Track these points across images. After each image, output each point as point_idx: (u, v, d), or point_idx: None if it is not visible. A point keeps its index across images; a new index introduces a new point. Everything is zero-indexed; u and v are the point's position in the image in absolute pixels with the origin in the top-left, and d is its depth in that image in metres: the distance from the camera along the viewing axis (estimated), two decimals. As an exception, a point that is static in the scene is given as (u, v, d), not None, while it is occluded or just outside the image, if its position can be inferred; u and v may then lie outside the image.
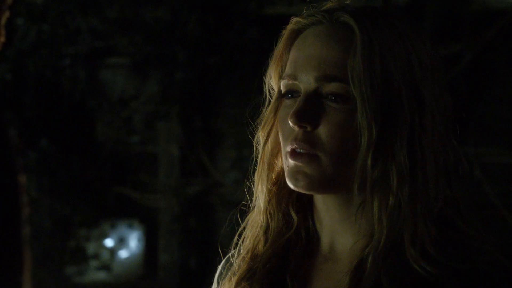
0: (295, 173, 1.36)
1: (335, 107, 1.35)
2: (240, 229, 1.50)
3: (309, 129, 1.35)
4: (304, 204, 1.46)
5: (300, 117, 1.35)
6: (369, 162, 1.32)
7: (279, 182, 1.45)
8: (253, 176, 1.47)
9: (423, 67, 1.35)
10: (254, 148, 1.47)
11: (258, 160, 1.45)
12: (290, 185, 1.38)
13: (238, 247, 1.50)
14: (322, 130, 1.35)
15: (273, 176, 1.45)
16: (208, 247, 7.24)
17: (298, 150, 1.36)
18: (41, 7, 6.71)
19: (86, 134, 7.43)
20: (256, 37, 6.67)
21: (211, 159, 7.43)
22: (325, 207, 1.42)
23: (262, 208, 1.46)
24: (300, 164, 1.35)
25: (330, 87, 1.35)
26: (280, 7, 6.69)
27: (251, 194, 1.48)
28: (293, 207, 1.46)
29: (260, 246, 1.46)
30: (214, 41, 6.88)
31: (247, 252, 1.47)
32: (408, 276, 1.32)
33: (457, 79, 6.42)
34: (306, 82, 1.37)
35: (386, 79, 1.33)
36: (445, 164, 1.37)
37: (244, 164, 7.00)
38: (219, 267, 1.56)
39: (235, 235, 1.51)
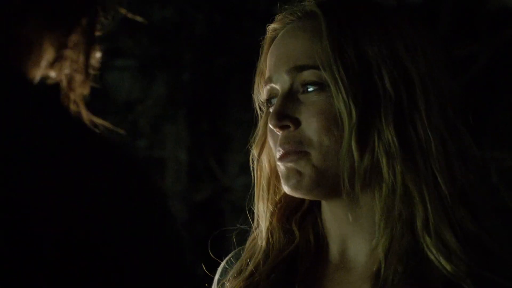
0: (287, 173, 1.32)
1: (312, 98, 1.32)
2: (244, 254, 1.46)
3: (292, 128, 1.32)
4: (309, 221, 1.41)
5: (278, 117, 1.32)
6: (353, 145, 1.27)
7: (282, 201, 1.41)
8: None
9: (409, 48, 1.34)
10: (251, 167, 1.44)
11: (256, 180, 1.42)
12: (285, 188, 1.33)
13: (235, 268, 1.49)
14: (305, 125, 1.31)
15: (276, 196, 1.41)
16: (217, 255, 7.19)
17: (286, 151, 1.32)
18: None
19: (91, 138, 7.43)
20: (266, 37, 6.68)
21: (219, 163, 7.42)
22: (332, 215, 1.36)
23: (264, 230, 1.41)
24: (289, 163, 1.31)
25: (303, 76, 1.32)
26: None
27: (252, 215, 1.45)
28: (296, 225, 1.41)
29: (260, 265, 1.42)
30: (222, 41, 6.89)
31: (245, 272, 1.43)
32: (427, 276, 1.26)
33: (473, 80, 6.40)
34: (281, 81, 1.35)
35: (361, 59, 1.29)
36: (459, 149, 1.31)
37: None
38: (216, 275, 1.57)
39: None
